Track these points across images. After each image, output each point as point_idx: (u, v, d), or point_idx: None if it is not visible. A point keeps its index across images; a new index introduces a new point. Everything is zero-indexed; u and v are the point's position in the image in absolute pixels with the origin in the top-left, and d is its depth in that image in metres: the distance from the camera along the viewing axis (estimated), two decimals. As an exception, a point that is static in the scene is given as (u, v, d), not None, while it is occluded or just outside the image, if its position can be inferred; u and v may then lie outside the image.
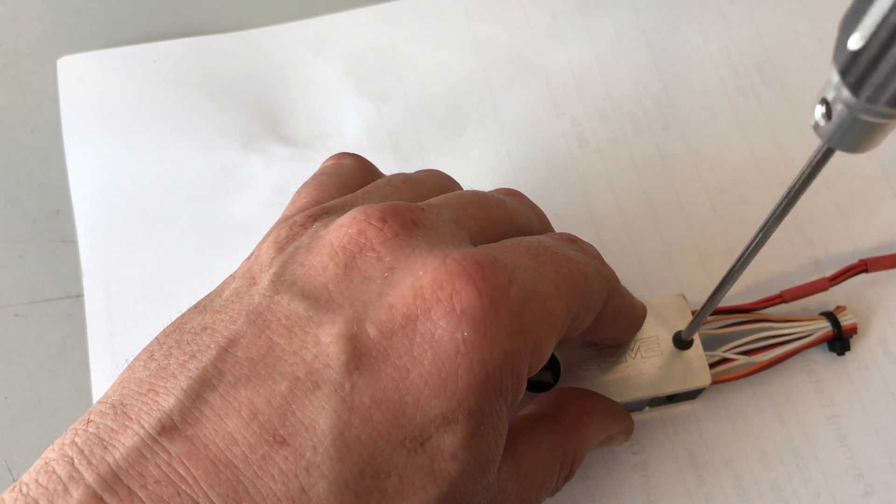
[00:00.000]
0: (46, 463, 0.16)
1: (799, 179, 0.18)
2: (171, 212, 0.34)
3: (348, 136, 0.36)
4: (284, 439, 0.16)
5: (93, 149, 0.36)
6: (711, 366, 0.28)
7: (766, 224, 0.20)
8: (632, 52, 0.37)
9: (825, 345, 0.31)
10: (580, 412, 0.25)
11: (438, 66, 0.37)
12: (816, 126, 0.15)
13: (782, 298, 0.30)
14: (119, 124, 0.36)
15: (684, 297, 0.28)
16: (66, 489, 0.15)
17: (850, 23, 0.12)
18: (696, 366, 0.27)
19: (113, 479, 0.15)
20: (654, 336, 0.27)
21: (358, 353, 0.17)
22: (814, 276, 0.31)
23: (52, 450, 0.17)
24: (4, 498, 0.16)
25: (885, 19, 0.11)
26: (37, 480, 0.16)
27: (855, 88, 0.13)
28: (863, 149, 0.14)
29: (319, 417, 0.17)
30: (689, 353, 0.27)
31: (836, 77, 0.13)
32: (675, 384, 0.27)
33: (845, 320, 0.30)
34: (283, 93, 0.37)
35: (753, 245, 0.21)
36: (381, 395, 0.17)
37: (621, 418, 0.26)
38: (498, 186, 0.35)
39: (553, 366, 0.27)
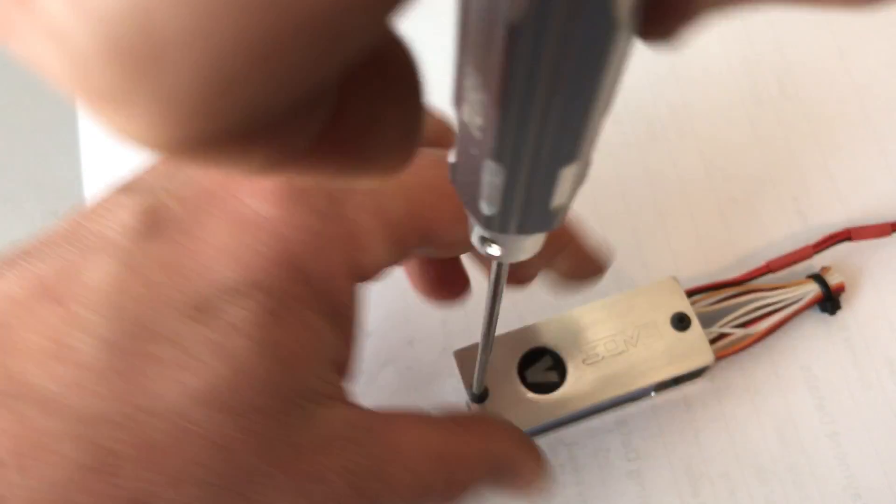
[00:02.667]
0: None
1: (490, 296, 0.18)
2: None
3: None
4: (59, 296, 0.16)
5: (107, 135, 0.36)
6: (711, 342, 0.28)
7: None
8: (650, 58, 0.37)
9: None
10: (486, 425, 0.22)
11: (449, 65, 0.37)
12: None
13: (769, 269, 0.31)
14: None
15: (675, 278, 0.28)
16: None
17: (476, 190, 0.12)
18: (697, 345, 0.27)
19: None
20: (653, 321, 0.27)
21: (152, 223, 0.17)
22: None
23: None
24: None
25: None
26: None
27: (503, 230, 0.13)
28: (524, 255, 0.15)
29: (98, 275, 0.16)
30: (689, 333, 0.27)
31: (480, 231, 0.14)
32: (679, 366, 0.27)
33: (832, 280, 0.30)
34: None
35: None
36: (168, 260, 0.17)
37: (529, 448, 0.23)
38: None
39: (558, 365, 0.27)
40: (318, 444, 0.18)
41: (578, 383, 0.26)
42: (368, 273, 0.19)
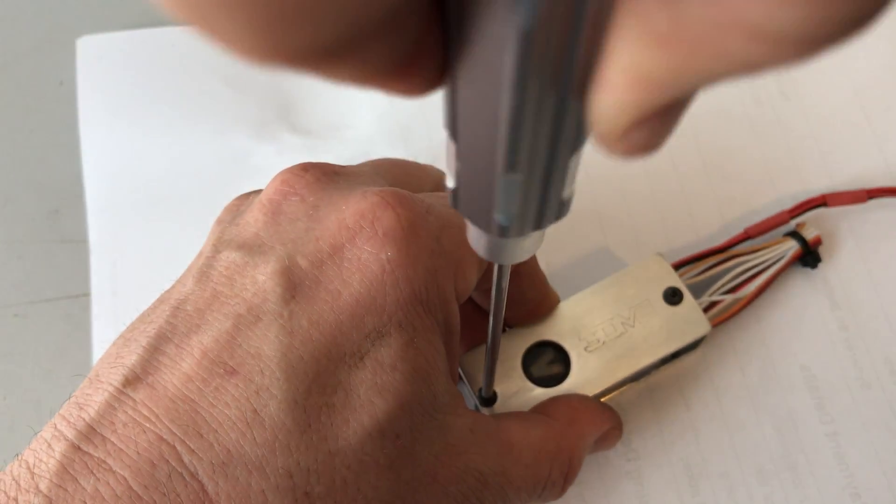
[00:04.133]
0: (37, 434, 0.18)
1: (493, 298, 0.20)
2: (181, 196, 0.34)
3: (360, 128, 0.36)
4: (234, 369, 0.18)
5: (107, 129, 0.36)
6: (704, 311, 0.28)
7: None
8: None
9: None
10: (571, 409, 0.25)
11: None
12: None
13: (748, 235, 0.32)
14: (134, 106, 0.36)
15: (661, 254, 0.29)
16: (49, 447, 0.17)
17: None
18: (692, 316, 0.28)
19: (88, 431, 0.17)
20: (646, 299, 0.28)
21: (292, 284, 0.19)
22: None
23: (45, 427, 0.18)
24: (9, 467, 0.18)
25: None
26: (29, 447, 0.18)
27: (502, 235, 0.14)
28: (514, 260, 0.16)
29: (264, 345, 0.18)
30: (683, 306, 0.28)
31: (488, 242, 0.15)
32: (678, 339, 0.27)
33: (808, 234, 0.31)
34: (299, 82, 0.37)
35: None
36: (318, 318, 0.19)
37: (611, 414, 0.27)
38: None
39: (563, 358, 0.27)
40: (451, 451, 0.20)
41: (584, 371, 0.27)
42: (465, 295, 0.22)
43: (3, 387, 0.32)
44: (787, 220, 0.32)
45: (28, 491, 0.17)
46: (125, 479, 0.17)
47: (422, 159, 0.35)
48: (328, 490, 0.18)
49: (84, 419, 0.18)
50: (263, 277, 0.19)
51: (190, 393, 0.18)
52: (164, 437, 0.17)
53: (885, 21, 0.32)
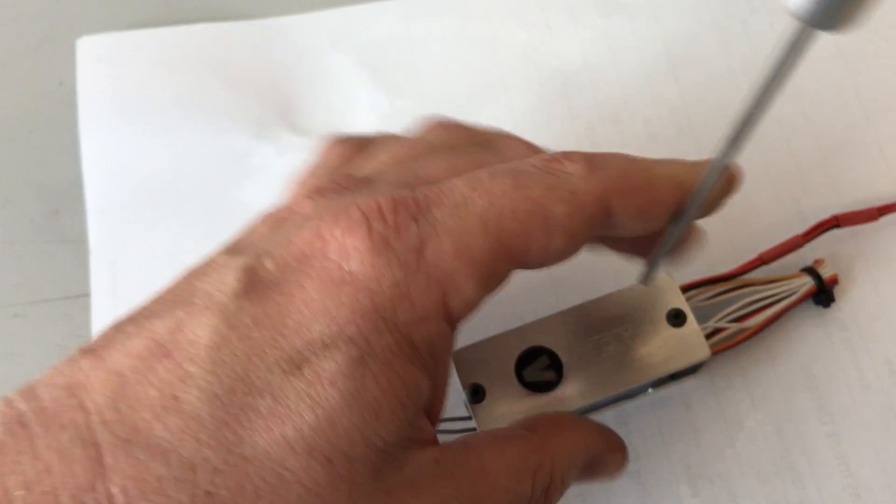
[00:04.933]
0: None
1: (771, 76, 0.17)
2: (180, 196, 0.35)
3: (361, 129, 0.36)
4: (169, 352, 0.18)
5: (107, 129, 0.36)
6: (706, 337, 0.28)
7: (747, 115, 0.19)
8: (650, 58, 0.37)
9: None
10: (553, 423, 0.24)
11: (455, 64, 0.37)
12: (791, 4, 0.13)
13: (762, 260, 0.31)
14: (134, 106, 0.36)
15: (670, 274, 0.28)
16: None
17: None
18: (693, 340, 0.27)
19: (28, 389, 0.18)
20: (650, 318, 0.27)
21: (251, 283, 0.19)
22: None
23: None
24: None
25: None
26: None
27: None
28: (842, 24, 0.13)
29: (202, 333, 0.18)
30: (685, 328, 0.27)
31: None
32: (676, 362, 0.27)
33: (825, 272, 0.31)
34: (299, 83, 0.37)
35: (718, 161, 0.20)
36: (263, 317, 0.18)
37: (607, 436, 0.25)
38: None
39: (555, 364, 0.27)
40: (408, 485, 0.19)
41: (576, 382, 0.26)
42: (461, 312, 0.20)
43: (3, 387, 0.32)
44: (801, 244, 0.31)
45: None
46: (36, 435, 0.17)
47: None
48: (234, 495, 0.17)
49: (32, 381, 0.18)
50: (228, 273, 0.19)
51: (124, 368, 0.18)
52: (86, 404, 0.17)
53: (887, 24, 0.32)
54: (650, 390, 0.30)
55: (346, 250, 0.19)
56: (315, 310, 0.18)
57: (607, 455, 0.25)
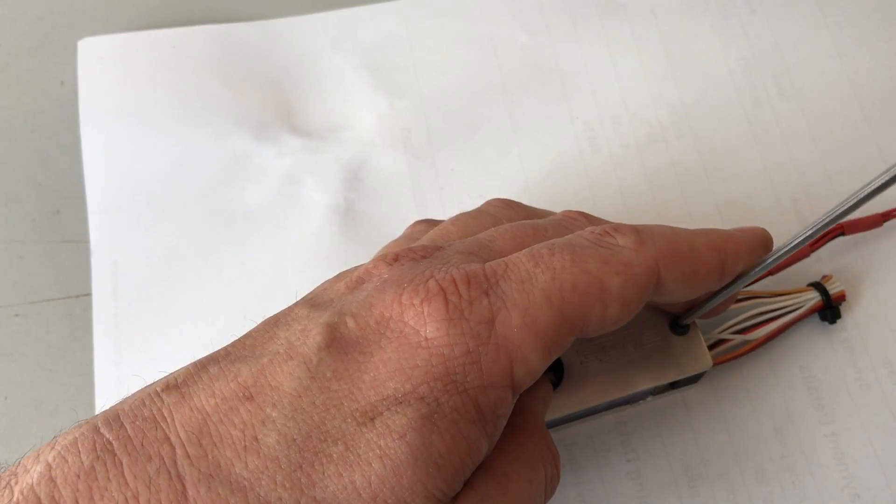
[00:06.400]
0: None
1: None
2: (181, 197, 0.35)
3: (361, 130, 0.36)
4: (252, 396, 0.19)
5: (108, 130, 0.36)
6: (709, 348, 0.28)
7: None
8: (649, 59, 0.37)
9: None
10: (529, 440, 0.24)
11: (455, 65, 0.37)
12: None
13: (769, 271, 0.31)
14: (135, 107, 0.36)
15: None
16: (79, 426, 0.19)
17: None
18: (695, 350, 0.27)
19: (113, 417, 0.19)
20: (652, 325, 0.27)
21: (332, 338, 0.20)
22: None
23: None
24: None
25: None
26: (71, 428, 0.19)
27: None
28: None
29: (285, 381, 0.19)
30: (687, 337, 0.27)
31: None
32: (677, 371, 0.27)
33: (833, 288, 0.31)
34: (299, 84, 0.37)
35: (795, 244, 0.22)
36: (343, 371, 0.19)
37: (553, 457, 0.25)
38: (508, 188, 0.36)
39: (556, 368, 0.27)
40: None
41: (575, 386, 0.26)
42: (525, 381, 0.21)
43: (3, 387, 0.32)
44: (807, 254, 0.31)
45: (37, 459, 0.18)
46: (122, 463, 0.18)
47: (421, 163, 0.35)
48: None
49: (116, 409, 0.19)
50: (312, 327, 0.20)
51: (208, 407, 0.19)
52: (170, 437, 0.18)
53: (885, 21, 0.32)
54: (650, 397, 0.30)
55: (424, 318, 0.20)
56: (391, 369, 0.19)
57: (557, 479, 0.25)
